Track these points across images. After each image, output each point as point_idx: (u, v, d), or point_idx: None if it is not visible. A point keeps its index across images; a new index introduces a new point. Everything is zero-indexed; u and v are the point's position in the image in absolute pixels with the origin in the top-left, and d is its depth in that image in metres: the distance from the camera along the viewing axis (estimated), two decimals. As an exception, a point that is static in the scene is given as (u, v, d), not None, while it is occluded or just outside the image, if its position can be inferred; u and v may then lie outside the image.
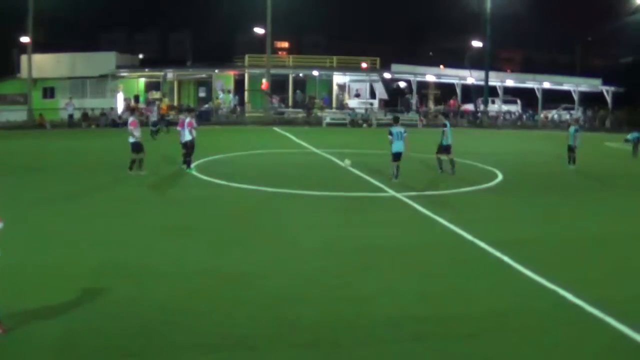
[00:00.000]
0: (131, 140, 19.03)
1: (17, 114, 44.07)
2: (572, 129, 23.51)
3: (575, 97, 53.82)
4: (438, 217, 13.18)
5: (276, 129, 41.19)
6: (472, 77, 54.39)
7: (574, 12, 65.04)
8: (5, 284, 8.29)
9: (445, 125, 20.33)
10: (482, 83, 52.32)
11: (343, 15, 71.85)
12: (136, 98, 50.98)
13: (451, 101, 55.74)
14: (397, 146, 17.95)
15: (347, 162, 20.27)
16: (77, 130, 40.49)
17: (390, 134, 18.15)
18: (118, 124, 41.07)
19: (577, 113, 52.03)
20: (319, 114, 48.97)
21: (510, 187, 18.06)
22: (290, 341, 6.82)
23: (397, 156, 17.97)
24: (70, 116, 42.73)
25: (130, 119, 19.68)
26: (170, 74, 52.68)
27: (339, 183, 17.77)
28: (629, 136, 28.88)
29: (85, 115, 43.29)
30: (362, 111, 49.64)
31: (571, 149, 22.83)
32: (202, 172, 19.23)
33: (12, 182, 17.55)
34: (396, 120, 19.36)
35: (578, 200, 16.66)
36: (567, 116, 53.60)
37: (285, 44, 79.80)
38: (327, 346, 6.70)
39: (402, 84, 60.75)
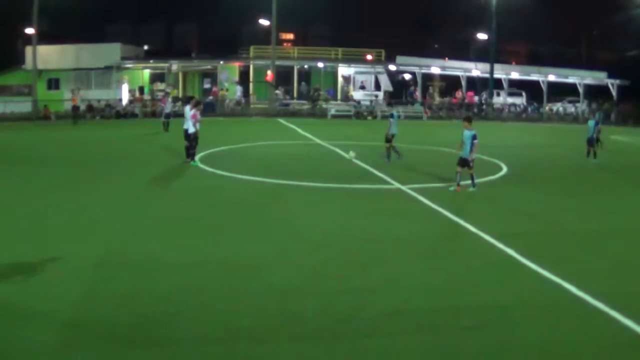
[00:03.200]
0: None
1: (22, 105, 44.07)
2: (591, 122, 23.41)
3: (581, 90, 53.63)
4: (442, 209, 13.16)
5: (281, 120, 41.18)
6: (477, 70, 54.24)
7: (579, 5, 64.66)
8: (8, 275, 8.34)
9: (392, 116, 21.43)
10: (487, 75, 52.18)
11: (348, 6, 71.49)
12: (141, 89, 51.00)
13: (457, 93, 55.58)
14: (463, 151, 15.56)
15: (352, 153, 20.25)
16: (82, 121, 40.53)
17: (476, 137, 15.45)
18: (123, 115, 41.51)
19: (582, 106, 51.89)
20: (324, 105, 48.92)
21: (514, 180, 18.01)
22: (293, 333, 6.83)
23: (460, 161, 15.60)
24: (77, 107, 42.82)
25: (193, 112, 19.73)
26: (175, 66, 52.60)
27: (344, 175, 17.75)
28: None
29: (90, 107, 43.35)
30: (367, 103, 49.58)
31: (590, 143, 22.73)
32: (206, 164, 19.24)
33: (17, 173, 17.61)
34: (469, 121, 16.09)
35: (583, 193, 16.59)
36: (572, 109, 53.46)
37: (291, 36, 79.56)
38: (330, 338, 6.70)
39: (407, 76, 60.62)
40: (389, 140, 20.83)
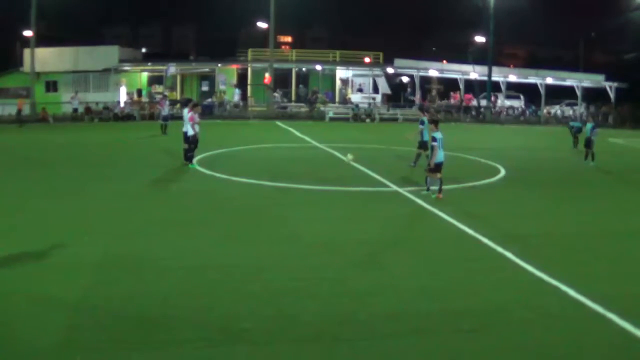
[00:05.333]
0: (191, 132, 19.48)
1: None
2: (589, 125, 23.56)
3: (579, 92, 53.67)
4: (440, 212, 13.17)
5: (279, 123, 41.18)
6: (475, 72, 54.30)
7: (577, 8, 64.86)
8: (7, 276, 8.35)
9: (422, 123, 19.78)
10: (485, 78, 52.24)
11: (346, 9, 71.75)
12: (139, 92, 51.01)
13: (455, 95, 55.65)
14: (442, 155, 14.91)
15: (350, 156, 20.21)
16: (80, 124, 40.56)
17: (435, 140, 14.82)
18: (120, 117, 41.65)
19: (580, 108, 51.96)
20: (322, 108, 48.93)
21: (512, 183, 18.03)
22: (291, 335, 6.84)
23: (440, 167, 14.87)
24: (75, 110, 42.90)
25: (190, 114, 19.74)
26: (172, 68, 52.57)
27: (342, 178, 17.74)
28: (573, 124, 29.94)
29: (88, 109, 43.39)
30: (365, 106, 49.63)
31: (589, 146, 22.76)
32: (204, 167, 19.24)
33: (16, 175, 17.58)
34: (435, 124, 15.47)
35: (581, 195, 16.62)
36: (570, 112, 53.50)
37: (289, 39, 79.69)
38: (328, 340, 6.72)
39: (405, 79, 60.66)
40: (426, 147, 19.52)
